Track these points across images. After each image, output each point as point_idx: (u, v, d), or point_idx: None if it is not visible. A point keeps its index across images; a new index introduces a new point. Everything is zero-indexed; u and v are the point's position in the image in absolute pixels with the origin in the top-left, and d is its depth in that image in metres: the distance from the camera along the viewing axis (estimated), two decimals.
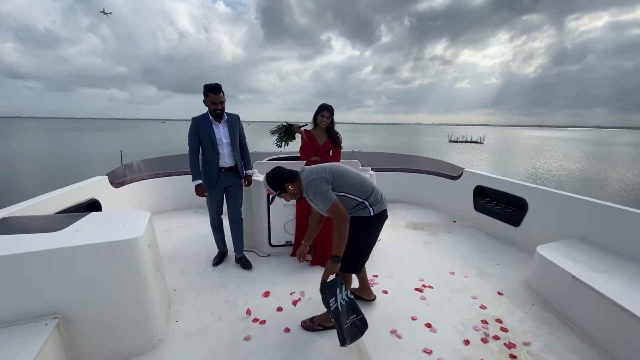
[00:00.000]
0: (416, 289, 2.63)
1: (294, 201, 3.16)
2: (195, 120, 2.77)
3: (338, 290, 1.79)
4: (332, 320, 1.77)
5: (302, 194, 1.99)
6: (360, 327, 1.79)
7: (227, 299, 2.47)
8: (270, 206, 3.18)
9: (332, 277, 1.89)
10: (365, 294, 2.40)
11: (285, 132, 3.35)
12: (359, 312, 1.81)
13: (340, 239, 1.84)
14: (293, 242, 3.28)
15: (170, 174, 4.84)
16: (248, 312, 2.28)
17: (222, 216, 3.04)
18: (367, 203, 1.95)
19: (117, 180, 3.98)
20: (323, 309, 2.23)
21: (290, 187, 1.95)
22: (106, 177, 3.71)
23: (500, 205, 3.89)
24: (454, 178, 4.74)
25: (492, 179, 4.09)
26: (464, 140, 56.19)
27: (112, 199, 3.66)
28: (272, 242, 3.26)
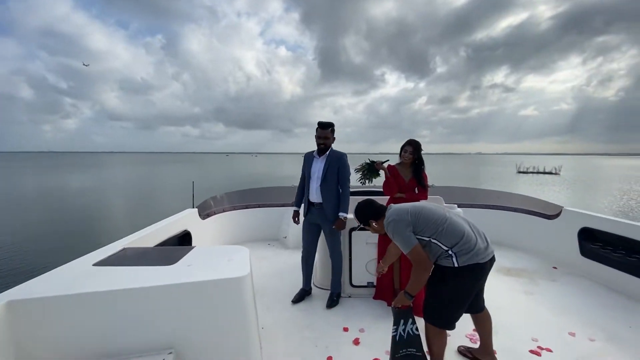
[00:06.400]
0: (531, 352, 2.25)
1: (376, 240, 3.06)
2: (305, 155, 3.06)
3: (402, 321, 1.81)
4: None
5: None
6: None
7: (317, 343, 2.35)
8: (352, 244, 3.09)
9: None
10: (486, 359, 2.10)
11: (368, 169, 3.32)
12: (418, 349, 1.76)
13: (415, 282, 1.81)
14: (375, 283, 3.11)
15: (246, 206, 5.07)
16: None
17: (315, 253, 3.09)
18: (451, 252, 1.75)
19: (204, 212, 4.26)
20: None
21: (374, 224, 2.00)
22: (196, 209, 4.00)
23: (619, 252, 3.29)
24: (550, 217, 4.20)
25: (602, 220, 3.52)
26: (535, 171, 51.07)
27: (199, 230, 3.90)
28: (354, 283, 3.12)
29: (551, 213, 4.21)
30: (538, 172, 49.36)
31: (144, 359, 1.63)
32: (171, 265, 1.92)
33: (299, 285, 3.14)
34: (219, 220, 4.57)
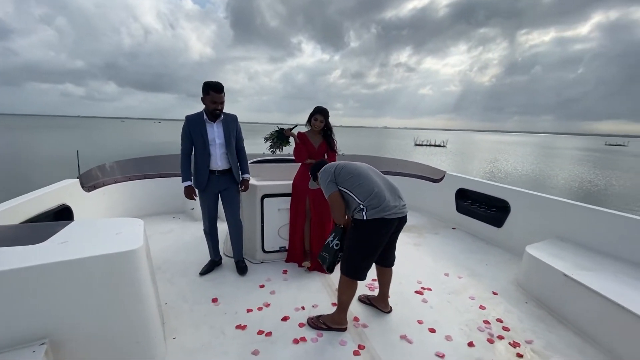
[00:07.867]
0: (416, 292, 2.65)
1: (287, 206, 3.10)
2: (189, 119, 2.61)
3: (333, 234, 2.22)
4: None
5: None
6: (327, 263, 2.26)
7: (226, 310, 2.32)
8: (264, 211, 3.07)
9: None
10: (381, 305, 2.39)
11: (278, 137, 3.27)
12: (330, 254, 2.23)
13: (333, 217, 2.18)
14: (287, 247, 3.19)
15: (145, 177, 4.52)
16: (244, 327, 2.14)
17: (218, 223, 2.89)
18: (362, 206, 1.97)
19: (89, 183, 3.64)
20: (329, 312, 2.24)
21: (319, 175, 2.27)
22: (77, 180, 3.38)
23: (483, 207, 4.06)
24: (435, 181, 4.89)
25: (473, 182, 4.26)
26: (428, 143, 58.60)
27: (83, 204, 3.34)
28: (266, 249, 3.14)
29: (437, 177, 4.89)
30: (430, 145, 56.82)
31: (7, 355, 1.36)
32: (39, 244, 1.60)
33: (208, 257, 3.01)
34: (110, 193, 3.99)
